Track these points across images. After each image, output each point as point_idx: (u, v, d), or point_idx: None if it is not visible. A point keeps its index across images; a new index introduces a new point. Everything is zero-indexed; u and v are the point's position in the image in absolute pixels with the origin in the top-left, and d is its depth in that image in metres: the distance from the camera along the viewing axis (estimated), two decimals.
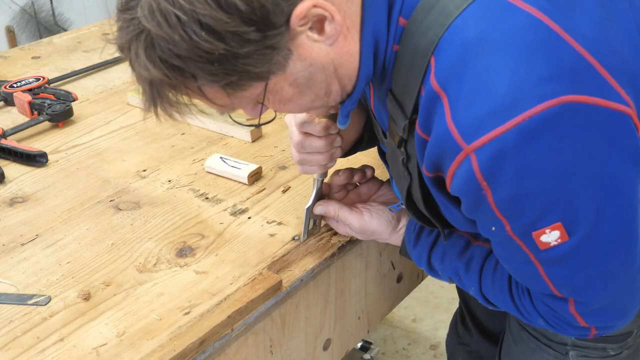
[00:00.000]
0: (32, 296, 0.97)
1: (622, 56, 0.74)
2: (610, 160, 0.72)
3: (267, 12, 0.70)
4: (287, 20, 0.72)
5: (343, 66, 0.80)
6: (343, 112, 0.91)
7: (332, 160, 1.03)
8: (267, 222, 1.14)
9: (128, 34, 0.72)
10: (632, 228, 0.78)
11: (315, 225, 1.09)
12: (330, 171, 1.08)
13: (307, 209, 1.06)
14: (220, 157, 1.28)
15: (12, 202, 1.20)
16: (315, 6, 0.73)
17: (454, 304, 2.39)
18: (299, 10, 0.72)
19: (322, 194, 1.08)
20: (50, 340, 0.90)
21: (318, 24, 0.75)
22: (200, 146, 1.36)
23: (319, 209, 1.06)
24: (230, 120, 0.91)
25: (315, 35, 0.76)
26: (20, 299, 0.97)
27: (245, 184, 1.24)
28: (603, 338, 1.02)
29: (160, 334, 0.91)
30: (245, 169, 1.24)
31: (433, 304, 2.40)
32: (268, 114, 0.87)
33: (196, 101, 0.78)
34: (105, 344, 0.90)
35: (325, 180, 1.08)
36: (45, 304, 0.96)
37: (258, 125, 0.87)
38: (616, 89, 0.71)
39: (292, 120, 1.00)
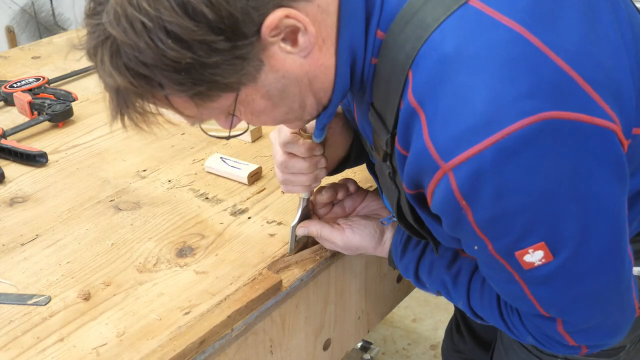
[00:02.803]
0: (32, 296, 0.97)
1: (606, 70, 0.71)
2: (595, 178, 0.70)
3: (236, 21, 0.67)
4: (258, 31, 0.70)
5: (318, 79, 0.78)
6: (318, 126, 0.89)
7: (317, 181, 1.01)
8: (267, 222, 1.14)
9: (94, 40, 0.70)
10: (619, 246, 0.76)
11: (302, 238, 1.08)
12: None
13: (293, 227, 1.04)
14: (220, 157, 1.28)
15: (12, 202, 1.20)
16: (287, 17, 0.70)
17: None
18: (270, 20, 0.69)
19: (308, 212, 1.07)
20: (50, 340, 0.90)
21: (291, 35, 0.72)
22: (200, 146, 1.36)
23: (301, 231, 1.04)
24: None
25: (288, 47, 0.73)
26: (20, 299, 0.97)
27: (245, 184, 1.24)
28: (595, 352, 1.01)
29: (160, 334, 0.91)
30: (245, 169, 1.24)
31: (433, 304, 2.40)
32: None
33: (165, 111, 0.76)
34: (105, 344, 0.90)
35: (310, 198, 1.07)
36: (45, 304, 0.96)
37: (228, 137, 0.84)
38: (600, 104, 0.69)
39: (276, 139, 0.98)
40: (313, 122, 0.93)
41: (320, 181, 1.02)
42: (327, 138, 1.01)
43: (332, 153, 1.03)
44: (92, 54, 0.72)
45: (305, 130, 0.96)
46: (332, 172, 1.08)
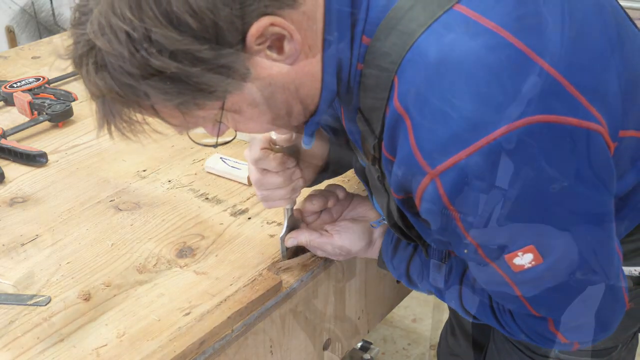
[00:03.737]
0: (32, 296, 0.97)
1: (593, 72, 0.71)
2: (582, 180, 0.70)
3: (221, 30, 0.67)
4: (243, 39, 0.69)
5: (304, 86, 0.77)
6: (307, 132, 0.88)
7: (295, 192, 1.00)
8: (267, 223, 1.14)
9: (79, 50, 0.70)
10: (607, 246, 0.76)
11: (291, 247, 1.07)
12: (304, 194, 1.06)
13: (281, 238, 1.04)
14: (220, 158, 1.28)
15: (12, 202, 1.20)
16: (272, 25, 0.69)
17: None
18: (255, 29, 0.69)
19: (295, 221, 1.06)
20: (51, 341, 0.90)
21: (277, 42, 0.72)
22: (200, 146, 1.36)
23: (290, 242, 1.04)
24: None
25: (274, 55, 0.72)
26: (20, 300, 0.97)
27: (245, 184, 1.24)
28: (587, 352, 1.01)
29: (160, 334, 0.91)
30: (245, 169, 1.24)
31: (433, 304, 2.40)
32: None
33: (151, 120, 0.76)
34: (106, 344, 0.90)
35: (298, 207, 1.06)
36: (46, 305, 0.96)
37: (216, 145, 0.84)
38: (586, 106, 0.69)
39: (248, 157, 0.98)
40: (282, 135, 0.93)
41: (299, 192, 1.02)
42: (301, 149, 1.00)
43: (308, 163, 1.02)
44: (77, 63, 0.72)
45: (275, 144, 0.96)
46: (312, 183, 1.07)
